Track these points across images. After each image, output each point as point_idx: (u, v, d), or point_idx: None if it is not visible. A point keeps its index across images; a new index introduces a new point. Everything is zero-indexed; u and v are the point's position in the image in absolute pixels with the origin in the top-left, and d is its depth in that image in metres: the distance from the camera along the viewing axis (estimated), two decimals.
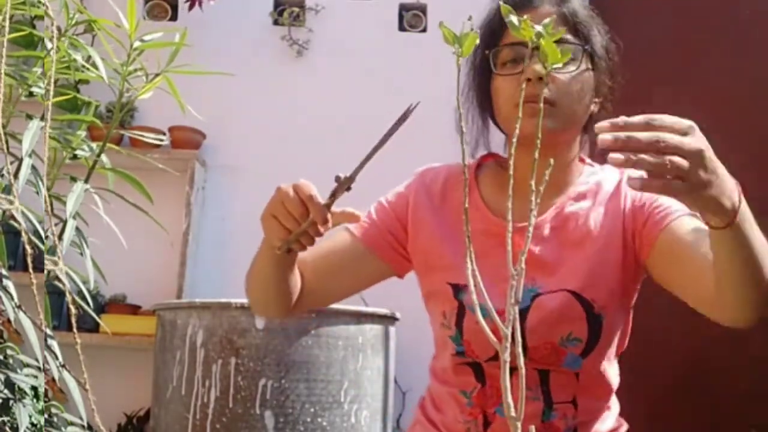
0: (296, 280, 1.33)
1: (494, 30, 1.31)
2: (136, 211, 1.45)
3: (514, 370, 0.80)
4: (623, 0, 3.21)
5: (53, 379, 1.18)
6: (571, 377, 1.29)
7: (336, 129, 3.01)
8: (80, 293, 1.30)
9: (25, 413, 1.15)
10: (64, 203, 1.29)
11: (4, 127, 1.16)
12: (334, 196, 1.10)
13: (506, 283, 1.25)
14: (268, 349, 2.17)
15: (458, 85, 1.16)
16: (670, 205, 1.25)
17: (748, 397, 2.82)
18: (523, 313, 1.25)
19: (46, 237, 1.20)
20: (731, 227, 0.98)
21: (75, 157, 1.40)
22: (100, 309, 2.80)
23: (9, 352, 1.22)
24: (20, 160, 1.18)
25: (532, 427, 1.01)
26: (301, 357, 2.18)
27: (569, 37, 1.29)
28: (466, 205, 0.96)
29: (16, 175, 1.16)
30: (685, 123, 0.92)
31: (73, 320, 1.17)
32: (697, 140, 0.92)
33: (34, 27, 1.77)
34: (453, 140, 1.42)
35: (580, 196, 1.33)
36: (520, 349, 0.89)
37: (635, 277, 1.31)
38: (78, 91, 2.42)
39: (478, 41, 0.90)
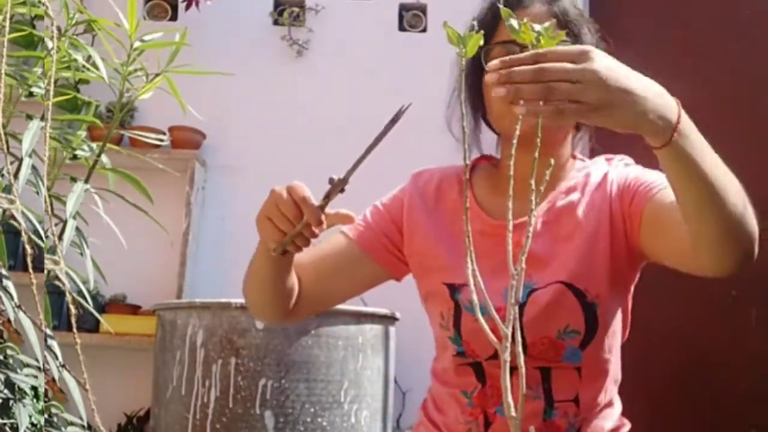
0: (293, 283, 1.33)
1: (486, 28, 1.31)
2: (136, 211, 1.45)
3: (514, 369, 0.80)
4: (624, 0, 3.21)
5: (53, 379, 1.18)
6: (572, 374, 1.29)
7: (336, 129, 3.01)
8: (80, 293, 1.30)
9: (25, 413, 1.15)
10: (64, 203, 1.29)
11: (4, 127, 1.16)
12: (327, 197, 1.10)
13: (503, 282, 1.26)
14: (268, 349, 2.17)
15: (461, 86, 1.17)
16: (655, 179, 1.25)
17: (748, 397, 2.82)
18: (520, 309, 1.25)
19: (46, 237, 1.20)
20: (672, 146, 0.96)
21: (75, 157, 1.40)
22: (100, 309, 2.80)
23: (9, 352, 1.22)
24: (20, 160, 1.18)
25: (532, 428, 1.02)
26: (301, 357, 2.18)
27: None
28: (467, 205, 0.96)
29: (16, 175, 1.16)
30: (576, 49, 0.89)
31: (73, 320, 1.17)
32: (593, 62, 0.88)
33: (34, 27, 1.77)
34: (452, 141, 1.43)
35: (570, 190, 1.34)
36: (520, 349, 0.90)
37: (630, 263, 1.31)
38: (78, 91, 2.42)
39: None
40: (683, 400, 2.86)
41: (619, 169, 1.34)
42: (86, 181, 1.36)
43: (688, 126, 0.98)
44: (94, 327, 2.75)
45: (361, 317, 2.28)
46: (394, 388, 2.45)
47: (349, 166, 1.10)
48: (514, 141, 0.99)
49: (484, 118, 1.39)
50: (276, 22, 3.11)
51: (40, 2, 1.27)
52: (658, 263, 1.27)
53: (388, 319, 2.38)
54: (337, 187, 1.10)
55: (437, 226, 1.38)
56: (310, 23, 3.10)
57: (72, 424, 1.23)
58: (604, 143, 1.44)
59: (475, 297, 0.93)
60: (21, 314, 1.12)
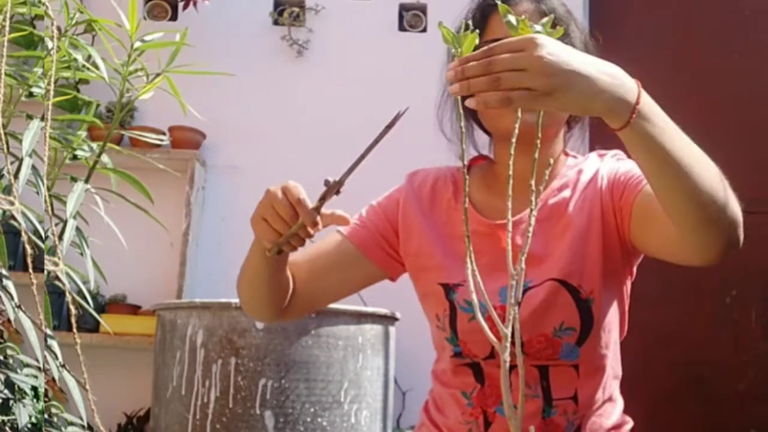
0: (287, 281, 1.33)
1: (475, 26, 1.32)
2: (136, 211, 1.45)
3: (513, 368, 0.80)
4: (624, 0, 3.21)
5: (53, 379, 1.18)
6: (570, 372, 1.28)
7: (336, 129, 3.01)
8: (80, 293, 1.30)
9: (25, 413, 1.15)
10: (65, 203, 1.29)
11: (4, 127, 1.16)
12: (323, 199, 1.11)
13: (499, 282, 1.26)
14: (268, 349, 2.17)
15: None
16: None
17: (748, 397, 2.82)
18: None
19: (46, 237, 1.20)
20: (632, 127, 0.96)
21: (75, 157, 1.40)
22: (100, 309, 2.80)
23: (9, 352, 1.22)
24: (20, 160, 1.18)
25: (532, 428, 1.02)
26: (301, 357, 2.18)
27: None
28: (467, 205, 0.96)
29: (16, 175, 1.16)
30: (521, 38, 0.91)
31: (73, 320, 1.17)
32: (537, 49, 0.89)
33: (34, 27, 1.77)
34: (451, 141, 1.43)
35: (562, 187, 1.34)
36: (519, 349, 0.90)
37: (623, 257, 1.31)
38: (78, 91, 2.42)
39: None
40: (683, 400, 2.86)
41: (611, 164, 1.34)
42: (86, 181, 1.36)
43: (649, 107, 0.98)
44: (94, 327, 2.75)
45: (361, 317, 2.28)
46: (394, 388, 2.45)
47: (348, 166, 1.10)
48: (513, 140, 1.00)
49: (475, 119, 1.40)
50: (276, 22, 3.11)
51: (40, 2, 1.27)
52: (651, 257, 1.27)
53: (388, 319, 2.38)
54: (333, 189, 1.10)
55: (432, 226, 1.38)
56: (310, 23, 3.10)
57: (72, 424, 1.23)
58: (602, 142, 1.44)
59: (475, 297, 0.93)
60: (21, 314, 1.12)
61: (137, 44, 1.38)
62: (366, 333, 2.28)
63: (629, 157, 1.11)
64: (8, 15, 1.15)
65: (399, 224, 1.40)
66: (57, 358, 1.15)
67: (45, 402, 1.21)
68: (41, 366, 1.17)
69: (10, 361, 1.22)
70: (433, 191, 1.42)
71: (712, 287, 2.87)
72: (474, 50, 0.93)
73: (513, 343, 0.88)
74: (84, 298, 1.29)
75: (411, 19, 3.10)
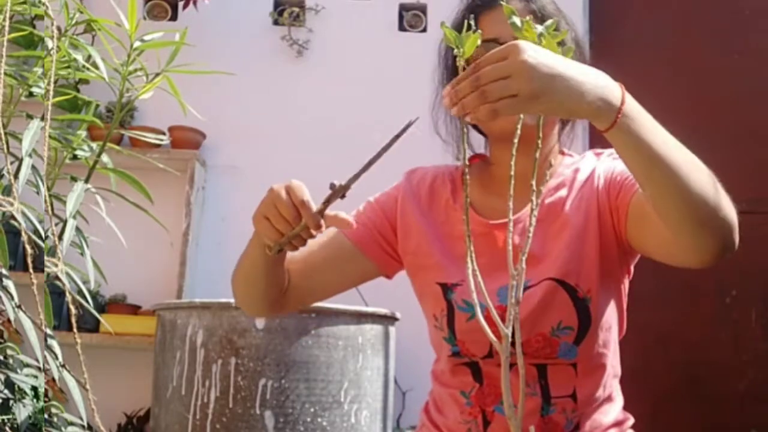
0: (284, 277, 1.33)
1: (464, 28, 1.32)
2: (136, 211, 1.45)
3: (511, 366, 0.80)
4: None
5: (53, 379, 1.18)
6: (568, 370, 1.29)
7: (336, 129, 3.01)
8: (80, 293, 1.30)
9: (25, 413, 1.15)
10: (65, 203, 1.29)
11: (4, 126, 1.16)
12: (328, 202, 1.10)
13: (497, 282, 1.26)
14: (268, 349, 2.17)
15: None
16: None
17: (748, 397, 2.82)
18: None
19: (47, 237, 1.20)
20: (619, 128, 0.97)
21: (75, 157, 1.40)
22: (100, 309, 2.80)
23: (9, 352, 1.22)
24: (20, 160, 1.18)
25: (532, 428, 1.02)
26: (301, 357, 2.18)
27: None
28: (467, 205, 0.96)
29: (16, 175, 1.16)
30: (504, 47, 0.92)
31: (73, 320, 1.17)
32: (519, 54, 0.90)
33: (34, 27, 1.77)
34: (447, 143, 1.43)
35: (559, 186, 1.34)
36: (519, 348, 0.90)
37: (620, 256, 1.31)
38: (78, 90, 2.42)
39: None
40: (683, 400, 2.86)
41: (607, 163, 1.34)
42: (86, 181, 1.36)
43: (634, 108, 0.99)
44: (94, 327, 2.75)
45: (361, 317, 2.28)
46: (394, 388, 2.45)
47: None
48: (515, 140, 1.00)
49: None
50: (276, 22, 3.11)
51: (40, 2, 1.27)
52: (648, 257, 1.28)
53: (388, 319, 2.38)
54: (338, 193, 1.10)
55: (431, 225, 1.38)
56: (310, 23, 3.10)
57: (72, 424, 1.23)
58: (602, 142, 1.44)
59: (475, 297, 0.93)
60: (21, 314, 1.12)
61: (137, 44, 1.38)
62: (366, 333, 2.28)
63: None
64: (8, 15, 1.15)
65: (397, 222, 1.40)
66: (57, 358, 1.15)
67: (45, 402, 1.21)
68: (41, 366, 1.17)
69: (10, 361, 1.22)
70: (432, 190, 1.41)
71: (712, 287, 2.88)
72: (449, 51, 0.93)
73: (513, 343, 0.88)
74: (84, 298, 1.29)
75: (411, 19, 3.10)
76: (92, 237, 1.36)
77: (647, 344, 2.81)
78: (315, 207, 1.10)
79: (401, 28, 3.12)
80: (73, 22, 1.39)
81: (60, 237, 1.22)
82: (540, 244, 1.30)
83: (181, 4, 2.99)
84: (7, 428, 1.12)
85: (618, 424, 1.34)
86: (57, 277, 1.16)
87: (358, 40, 3.10)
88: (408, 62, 3.01)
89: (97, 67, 1.36)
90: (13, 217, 1.14)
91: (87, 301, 1.29)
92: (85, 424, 1.21)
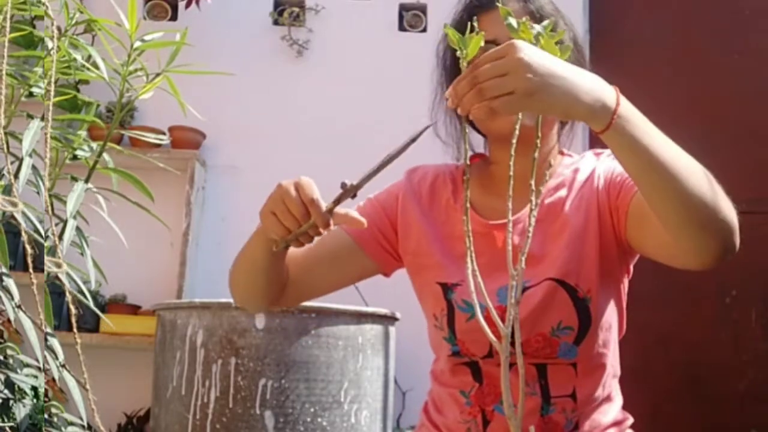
0: (284, 272, 1.33)
1: (462, 29, 1.32)
2: (136, 211, 1.45)
3: (511, 366, 0.80)
4: None
5: (53, 379, 1.18)
6: (568, 370, 1.29)
7: (336, 129, 3.01)
8: (81, 293, 1.30)
9: (25, 413, 1.15)
10: (65, 203, 1.29)
11: (4, 127, 1.16)
12: (337, 201, 1.10)
13: (497, 283, 1.26)
14: (268, 349, 2.17)
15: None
16: None
17: (748, 397, 2.82)
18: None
19: (47, 237, 1.20)
20: (614, 129, 0.97)
21: (75, 157, 1.40)
22: (101, 309, 2.80)
23: (9, 352, 1.22)
24: (20, 160, 1.18)
25: (532, 428, 1.02)
26: (301, 357, 2.18)
27: None
28: (467, 205, 0.96)
29: (16, 175, 1.16)
30: (501, 46, 0.93)
31: (74, 320, 1.17)
32: (517, 52, 0.91)
33: (34, 27, 1.77)
34: (446, 144, 1.43)
35: (559, 186, 1.34)
36: (519, 348, 0.90)
37: (620, 257, 1.31)
38: (78, 91, 2.42)
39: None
40: (683, 400, 2.86)
41: (607, 163, 1.34)
42: (87, 181, 1.36)
43: (629, 110, 0.99)
44: (94, 327, 2.75)
45: (361, 317, 2.28)
46: (394, 388, 2.45)
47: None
48: (514, 141, 1.00)
49: (469, 121, 1.40)
50: (276, 22, 3.11)
51: (40, 2, 1.27)
52: (648, 258, 1.28)
53: (388, 319, 2.38)
54: (349, 193, 1.09)
55: (431, 224, 1.38)
56: (310, 23, 3.10)
57: (72, 424, 1.23)
58: (601, 142, 1.44)
59: (475, 297, 0.93)
60: (21, 314, 1.12)
61: (137, 44, 1.38)
62: (366, 333, 2.28)
63: None
64: (9, 15, 1.15)
65: (398, 220, 1.40)
66: (57, 358, 1.15)
67: (45, 402, 1.21)
68: (41, 366, 1.17)
69: (10, 361, 1.22)
70: (433, 189, 1.41)
71: (712, 287, 2.88)
72: (448, 52, 0.94)
73: (512, 343, 0.89)
74: (84, 298, 1.29)
75: (411, 19, 3.10)
76: (92, 237, 1.36)
77: (647, 344, 2.81)
78: (324, 204, 1.10)
79: (401, 28, 3.12)
80: (73, 22, 1.39)
81: (60, 237, 1.22)
82: (540, 245, 1.30)
83: (183, 4, 2.99)
84: (7, 428, 1.12)
85: (617, 423, 1.34)
86: (57, 277, 1.16)
87: (358, 40, 3.10)
88: (408, 62, 3.01)
89: (97, 67, 1.36)
90: (13, 217, 1.14)
91: (87, 301, 1.29)
92: (85, 424, 1.21)
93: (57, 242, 1.18)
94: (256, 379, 2.16)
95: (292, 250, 1.33)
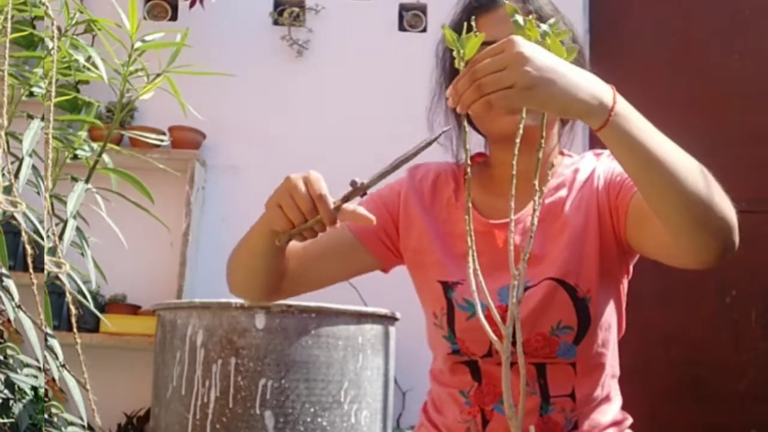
0: (284, 264, 1.32)
1: (461, 29, 1.32)
2: (136, 211, 1.45)
3: (511, 365, 0.80)
4: None
5: (53, 379, 1.18)
6: (567, 369, 1.29)
7: (336, 129, 3.01)
8: (81, 293, 1.30)
9: (25, 413, 1.15)
10: (65, 203, 1.29)
11: (5, 127, 1.16)
12: (346, 199, 1.09)
13: (498, 282, 1.26)
14: (268, 349, 2.17)
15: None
16: None
17: (748, 397, 2.82)
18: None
19: (47, 237, 1.20)
20: (611, 126, 0.97)
21: (76, 157, 1.40)
22: (101, 309, 2.80)
23: (9, 352, 1.22)
24: (21, 160, 1.18)
25: (532, 427, 1.02)
26: (301, 357, 2.17)
27: None
28: (469, 204, 0.96)
29: (16, 175, 1.16)
30: (501, 42, 0.93)
31: (74, 320, 1.17)
32: (515, 47, 0.92)
33: (34, 27, 1.77)
34: (444, 146, 1.43)
35: (559, 187, 1.34)
36: (520, 348, 0.90)
37: (620, 256, 1.31)
38: (78, 91, 2.42)
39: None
40: (683, 400, 2.86)
41: (607, 163, 1.34)
42: (87, 181, 1.36)
43: (626, 108, 1.00)
44: (94, 327, 2.75)
45: (361, 317, 2.27)
46: (394, 388, 2.46)
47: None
48: (517, 141, 1.00)
49: (469, 121, 1.40)
50: (276, 22, 3.11)
51: (40, 2, 1.27)
52: (648, 258, 1.28)
53: (388, 319, 2.38)
54: (358, 191, 1.09)
55: (432, 222, 1.38)
56: (310, 23, 3.10)
57: (72, 424, 1.22)
58: (601, 141, 1.44)
59: (476, 296, 0.93)
60: (21, 314, 1.12)
61: (137, 44, 1.38)
62: (366, 333, 2.28)
63: None
64: (9, 15, 1.15)
65: (399, 217, 1.40)
66: (57, 358, 1.15)
67: (45, 402, 1.21)
68: (41, 366, 1.17)
69: (10, 361, 1.22)
70: (434, 187, 1.41)
71: (712, 287, 2.88)
72: (447, 54, 0.93)
73: (513, 343, 0.89)
74: (84, 298, 1.29)
75: (411, 19, 3.10)
76: (92, 237, 1.36)
77: (647, 344, 2.81)
78: (332, 201, 1.09)
79: (401, 28, 3.12)
80: (73, 22, 1.39)
81: (60, 237, 1.22)
82: (540, 244, 1.30)
83: (186, 4, 2.98)
84: (7, 428, 1.12)
85: (616, 423, 1.35)
86: (57, 277, 1.16)
87: (358, 40, 3.10)
88: (408, 62, 3.01)
89: (97, 68, 1.36)
90: (13, 217, 1.14)
91: (87, 301, 1.29)
92: (85, 424, 1.21)
93: (57, 242, 1.18)
94: (256, 379, 2.16)
95: (293, 243, 1.33)
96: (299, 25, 3.09)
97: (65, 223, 1.26)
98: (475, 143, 1.45)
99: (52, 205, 1.27)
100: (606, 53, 2.96)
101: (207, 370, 2.18)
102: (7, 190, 1.16)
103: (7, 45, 1.11)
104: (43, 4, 1.25)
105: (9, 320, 1.13)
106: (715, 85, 3.02)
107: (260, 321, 2.17)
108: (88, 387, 1.16)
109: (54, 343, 1.16)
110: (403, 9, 3.12)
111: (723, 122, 2.95)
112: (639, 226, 1.24)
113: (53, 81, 1.19)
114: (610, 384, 1.35)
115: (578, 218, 1.30)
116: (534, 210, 0.97)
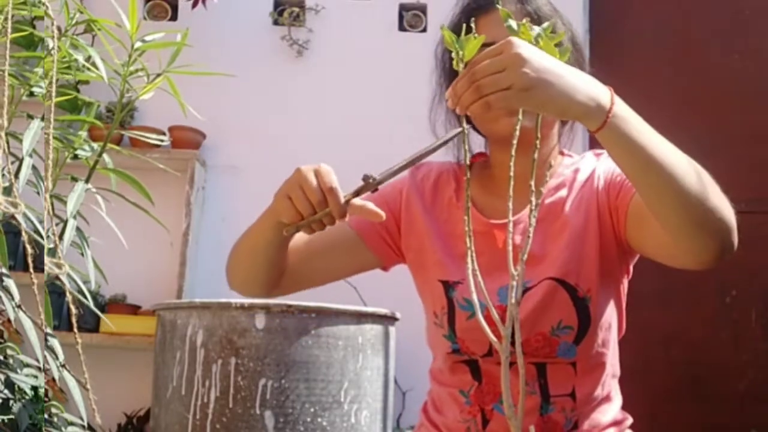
0: (286, 258, 1.32)
1: (460, 31, 1.32)
2: (136, 211, 1.45)
3: (511, 365, 0.80)
4: None
5: (53, 379, 1.18)
6: (568, 369, 1.29)
7: (336, 129, 3.01)
8: (81, 293, 1.30)
9: (25, 413, 1.15)
10: (65, 203, 1.29)
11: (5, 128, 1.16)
12: (357, 193, 1.09)
13: (497, 282, 1.26)
14: (268, 349, 2.16)
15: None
16: None
17: (748, 397, 2.82)
18: None
19: (47, 237, 1.20)
20: (609, 128, 0.98)
21: (76, 157, 1.40)
22: (101, 309, 2.80)
23: (9, 352, 1.22)
24: (21, 160, 1.18)
25: (532, 427, 1.02)
26: (301, 357, 2.17)
27: None
28: (468, 205, 0.97)
29: (16, 175, 1.16)
30: (499, 44, 0.94)
31: (74, 320, 1.17)
32: (514, 48, 0.92)
33: (34, 27, 1.77)
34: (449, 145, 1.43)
35: (559, 187, 1.34)
36: (519, 348, 0.90)
37: (620, 256, 1.32)
38: (78, 91, 2.42)
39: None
40: (683, 400, 2.86)
41: (607, 164, 1.34)
42: (87, 181, 1.36)
43: (624, 109, 1.00)
44: (94, 327, 2.75)
45: (361, 317, 2.27)
46: (394, 388, 2.46)
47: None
48: (514, 142, 1.00)
49: (469, 122, 1.40)
50: (276, 22, 3.11)
51: (40, 2, 1.27)
52: (648, 258, 1.28)
53: (388, 319, 2.37)
54: (370, 186, 1.09)
55: (433, 222, 1.38)
56: (310, 23, 3.10)
57: (72, 424, 1.22)
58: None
59: (475, 297, 0.93)
60: (21, 314, 1.12)
61: (138, 44, 1.38)
62: (366, 333, 2.28)
63: None
64: (9, 15, 1.15)
65: (401, 215, 1.40)
66: (57, 358, 1.15)
67: (45, 402, 1.21)
68: (41, 366, 1.17)
69: (10, 361, 1.22)
70: (436, 187, 1.42)
71: (712, 287, 2.88)
72: (446, 55, 0.93)
73: (513, 343, 0.89)
74: (85, 298, 1.29)
75: (411, 19, 3.10)
76: (92, 237, 1.36)
77: (647, 344, 2.81)
78: (342, 194, 1.09)
79: (401, 28, 3.12)
80: (73, 22, 1.39)
81: (60, 237, 1.22)
82: (540, 244, 1.30)
83: (187, 4, 2.98)
84: (7, 428, 1.12)
85: (616, 423, 1.35)
86: (57, 277, 1.16)
87: (358, 40, 3.10)
88: (408, 62, 3.01)
89: (97, 68, 1.36)
90: (13, 217, 1.14)
91: (87, 301, 1.29)
92: (85, 424, 1.21)
93: (57, 242, 1.18)
94: (256, 379, 2.15)
95: (294, 239, 1.32)
96: (299, 25, 3.09)
97: (65, 223, 1.26)
98: (476, 143, 1.46)
99: (52, 205, 1.27)
100: (606, 53, 2.96)
101: (207, 370, 2.18)
102: (7, 191, 1.16)
103: (8, 45, 1.11)
104: (43, 4, 1.24)
105: (9, 320, 1.13)
106: (715, 85, 3.02)
107: (260, 321, 2.17)
108: (88, 387, 1.16)
109: (54, 343, 1.16)
110: (403, 9, 3.12)
111: (723, 122, 2.95)
112: (639, 227, 1.24)
113: (53, 81, 1.19)
114: (610, 384, 1.35)
115: (578, 218, 1.30)
116: (531, 210, 0.97)
